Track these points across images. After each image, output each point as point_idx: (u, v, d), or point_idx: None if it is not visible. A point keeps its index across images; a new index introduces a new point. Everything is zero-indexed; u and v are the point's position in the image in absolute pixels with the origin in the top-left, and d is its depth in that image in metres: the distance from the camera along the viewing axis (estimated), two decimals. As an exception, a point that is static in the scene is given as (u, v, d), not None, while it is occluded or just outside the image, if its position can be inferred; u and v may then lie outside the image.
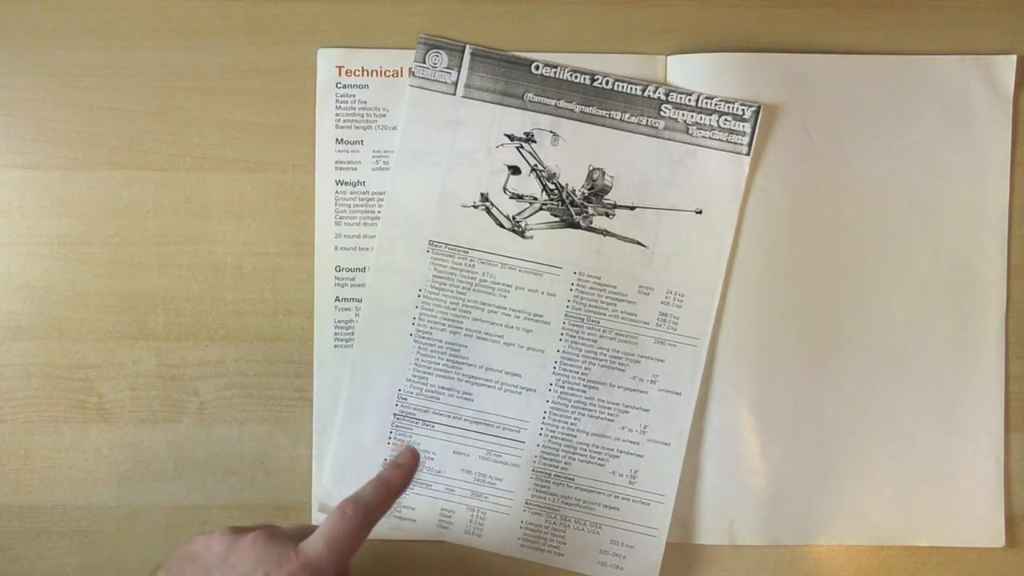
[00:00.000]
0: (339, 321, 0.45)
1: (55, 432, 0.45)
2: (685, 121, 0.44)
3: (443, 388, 0.45)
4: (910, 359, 0.45)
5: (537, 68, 0.44)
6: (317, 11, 0.45)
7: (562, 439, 0.45)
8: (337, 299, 0.45)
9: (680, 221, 0.44)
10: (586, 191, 0.45)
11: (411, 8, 0.45)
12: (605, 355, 0.44)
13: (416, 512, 0.45)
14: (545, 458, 0.45)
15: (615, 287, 0.44)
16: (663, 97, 0.44)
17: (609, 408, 0.44)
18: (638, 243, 0.44)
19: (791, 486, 0.45)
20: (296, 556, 0.35)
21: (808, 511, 0.45)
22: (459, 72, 0.44)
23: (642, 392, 0.44)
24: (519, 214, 0.45)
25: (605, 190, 0.44)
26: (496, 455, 0.45)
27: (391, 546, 0.45)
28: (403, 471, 0.39)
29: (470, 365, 0.45)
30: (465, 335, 0.45)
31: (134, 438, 0.45)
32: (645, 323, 0.44)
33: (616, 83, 0.44)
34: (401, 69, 0.45)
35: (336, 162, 0.45)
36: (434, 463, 0.45)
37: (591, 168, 0.44)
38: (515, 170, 0.45)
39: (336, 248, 0.45)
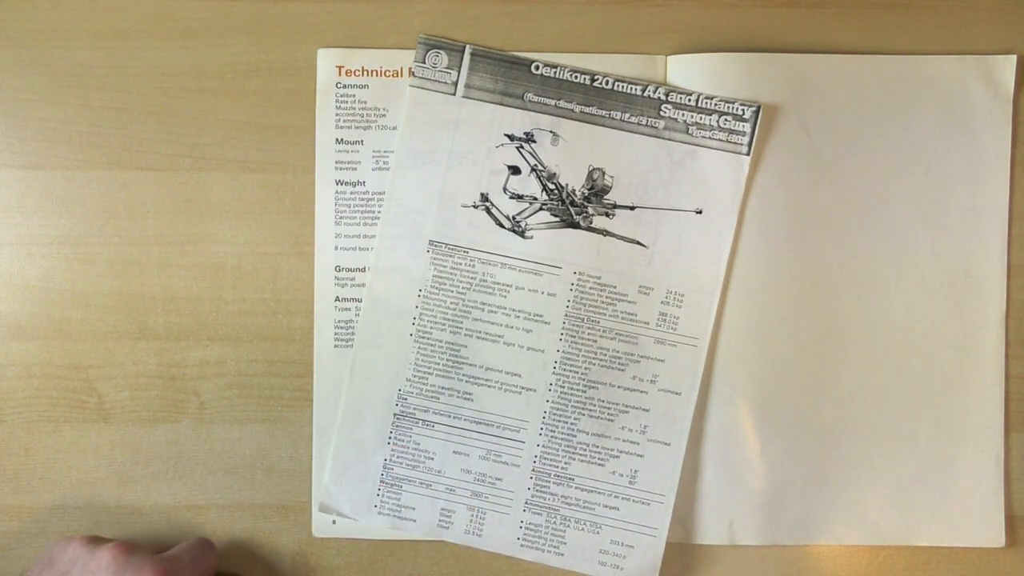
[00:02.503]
0: (339, 321, 0.45)
1: (55, 432, 0.45)
2: (685, 121, 0.44)
3: (443, 388, 0.45)
4: (910, 359, 0.45)
5: (537, 68, 0.44)
6: (317, 11, 0.45)
7: (562, 439, 0.45)
8: (337, 299, 0.45)
9: (680, 221, 0.44)
10: (586, 191, 0.45)
11: (411, 8, 0.45)
12: (605, 355, 0.44)
13: (416, 512, 0.45)
14: (545, 458, 0.45)
15: (615, 287, 0.44)
16: (663, 97, 0.44)
17: (609, 408, 0.44)
18: (638, 243, 0.44)
19: (791, 486, 0.45)
20: (158, 562, 0.38)
21: (808, 511, 0.45)
22: (459, 72, 0.44)
23: (642, 392, 0.44)
24: (519, 214, 0.45)
25: (605, 190, 0.44)
26: (496, 455, 0.45)
27: (391, 546, 0.45)
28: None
29: (470, 365, 0.45)
30: (465, 335, 0.45)
31: (134, 438, 0.45)
32: (645, 323, 0.44)
33: (616, 83, 0.44)
34: (401, 69, 0.45)
35: (336, 162, 0.45)
36: (434, 463, 0.45)
37: (591, 168, 0.44)
38: (515, 170, 0.45)
39: (336, 248, 0.45)
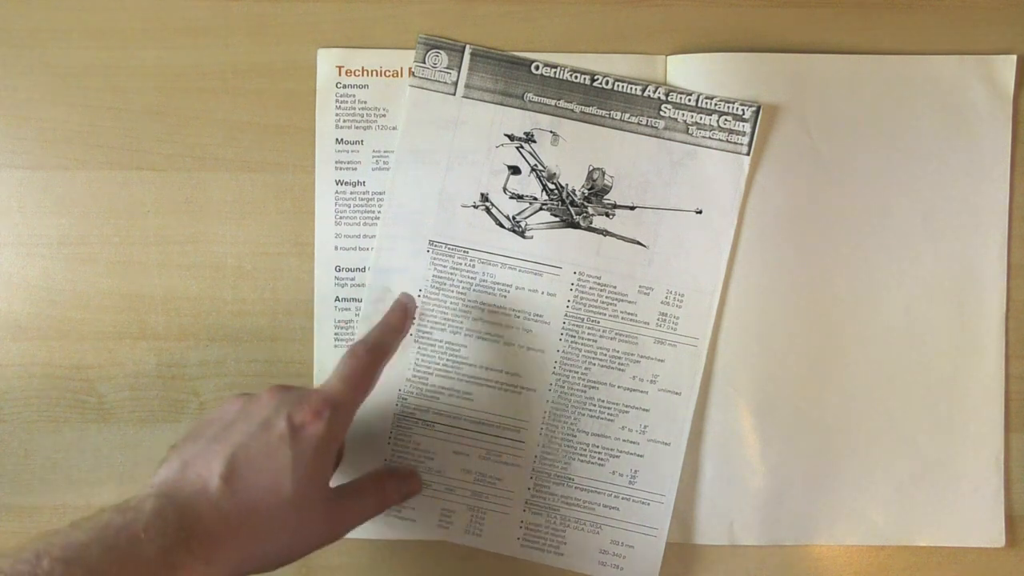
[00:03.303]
0: (339, 321, 0.45)
1: (55, 432, 0.45)
2: (685, 121, 0.44)
3: (443, 388, 0.45)
4: (910, 359, 0.45)
5: (537, 68, 0.44)
6: (317, 11, 0.45)
7: (562, 439, 0.45)
8: (337, 299, 0.45)
9: (680, 221, 0.44)
10: (586, 191, 0.45)
11: (411, 8, 0.45)
12: (605, 355, 0.44)
13: (416, 512, 0.45)
14: (545, 458, 0.45)
15: (615, 287, 0.44)
16: (663, 97, 0.44)
17: (609, 408, 0.44)
18: (638, 243, 0.44)
19: (791, 486, 0.45)
20: (316, 394, 0.37)
21: (808, 511, 0.45)
22: (459, 72, 0.44)
23: (642, 392, 0.44)
24: (519, 214, 0.45)
25: (605, 190, 0.44)
26: (496, 455, 0.45)
27: (391, 546, 0.45)
28: (402, 313, 0.43)
29: (470, 365, 0.45)
30: (465, 335, 0.45)
31: (134, 438, 0.45)
32: (645, 323, 0.44)
33: (616, 83, 0.44)
34: (401, 69, 0.45)
35: (336, 162, 0.45)
36: (434, 463, 0.45)
37: (591, 168, 0.45)
38: (515, 170, 0.45)
39: (336, 248, 0.45)
